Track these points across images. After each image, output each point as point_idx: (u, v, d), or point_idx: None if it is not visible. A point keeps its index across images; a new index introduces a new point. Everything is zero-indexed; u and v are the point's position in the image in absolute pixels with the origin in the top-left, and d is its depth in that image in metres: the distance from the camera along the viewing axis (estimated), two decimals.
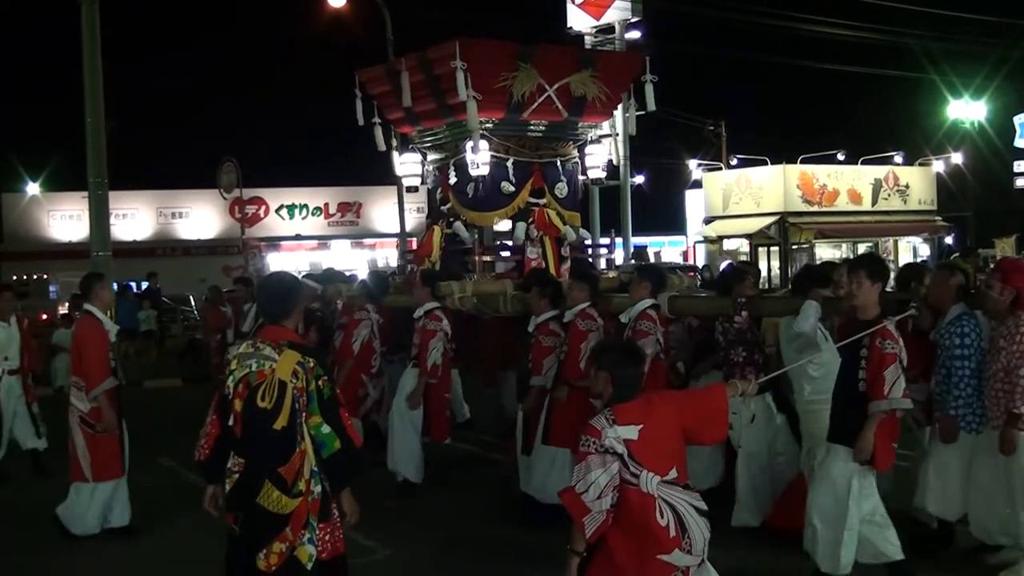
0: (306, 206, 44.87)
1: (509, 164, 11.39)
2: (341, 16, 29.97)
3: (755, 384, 6.16)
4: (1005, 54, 36.31)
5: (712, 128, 41.85)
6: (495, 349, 11.54)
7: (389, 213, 39.76)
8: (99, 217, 17.94)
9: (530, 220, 11.43)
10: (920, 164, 36.02)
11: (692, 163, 40.79)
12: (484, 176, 11.21)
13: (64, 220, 40.95)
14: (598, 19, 28.88)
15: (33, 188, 42.01)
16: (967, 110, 39.51)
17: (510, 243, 11.81)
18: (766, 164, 34.02)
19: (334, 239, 43.84)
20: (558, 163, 11.74)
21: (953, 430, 7.37)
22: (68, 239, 39.93)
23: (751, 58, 31.00)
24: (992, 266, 9.67)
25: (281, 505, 5.19)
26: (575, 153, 12.02)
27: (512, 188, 11.40)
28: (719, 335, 8.57)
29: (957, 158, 38.46)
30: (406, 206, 30.74)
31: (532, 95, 11.19)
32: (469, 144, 11.12)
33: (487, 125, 11.17)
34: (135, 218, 41.83)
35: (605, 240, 14.49)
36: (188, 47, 65.56)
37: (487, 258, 11.55)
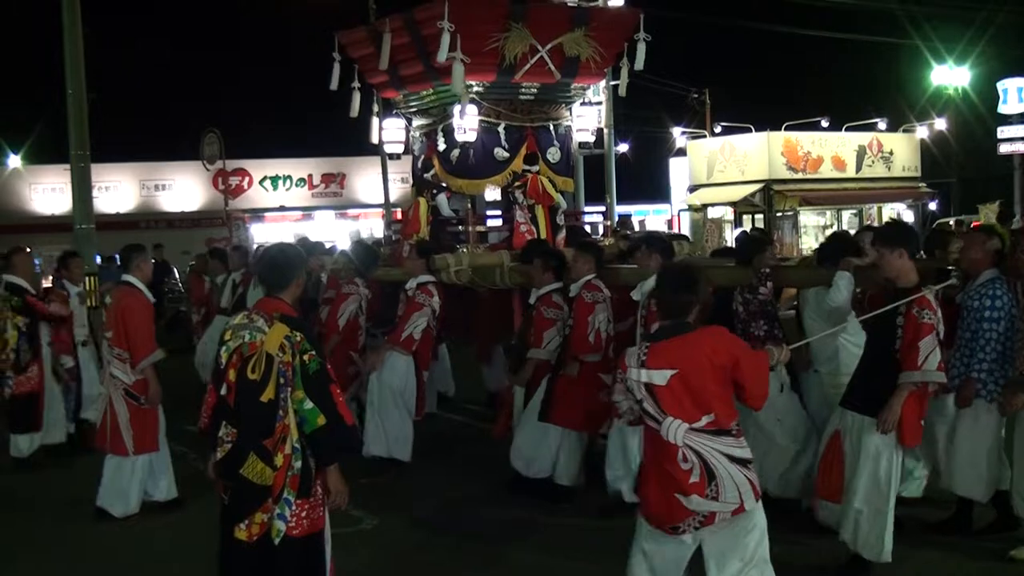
0: (290, 177, 44.65)
1: (501, 129, 11.04)
2: None
3: (787, 350, 5.92)
4: (989, 19, 36.31)
5: (696, 96, 41.82)
6: (488, 323, 11.31)
7: (373, 184, 39.64)
8: (82, 190, 17.90)
9: (517, 185, 11.13)
10: (904, 131, 36.07)
11: (676, 131, 40.74)
12: (474, 142, 10.86)
13: (46, 193, 40.66)
14: None
15: (15, 161, 41.68)
16: (951, 76, 39.48)
17: (498, 212, 11.55)
18: (750, 132, 34.03)
19: (318, 210, 43.58)
20: (551, 127, 11.38)
21: (971, 394, 7.17)
22: (51, 212, 39.67)
23: (735, 25, 30.96)
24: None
25: (264, 477, 5.20)
26: (567, 116, 11.65)
27: (506, 154, 11.05)
28: (739, 306, 8.11)
29: (941, 124, 38.48)
30: (390, 176, 30.59)
31: (524, 56, 10.78)
32: (457, 109, 10.75)
33: (477, 89, 10.84)
34: (118, 191, 41.57)
35: (601, 208, 14.27)
36: (170, 16, 65.01)
37: (480, 229, 11.25)
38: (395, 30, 10.92)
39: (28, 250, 11.63)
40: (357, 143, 40.09)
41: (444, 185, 11.42)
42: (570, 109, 11.67)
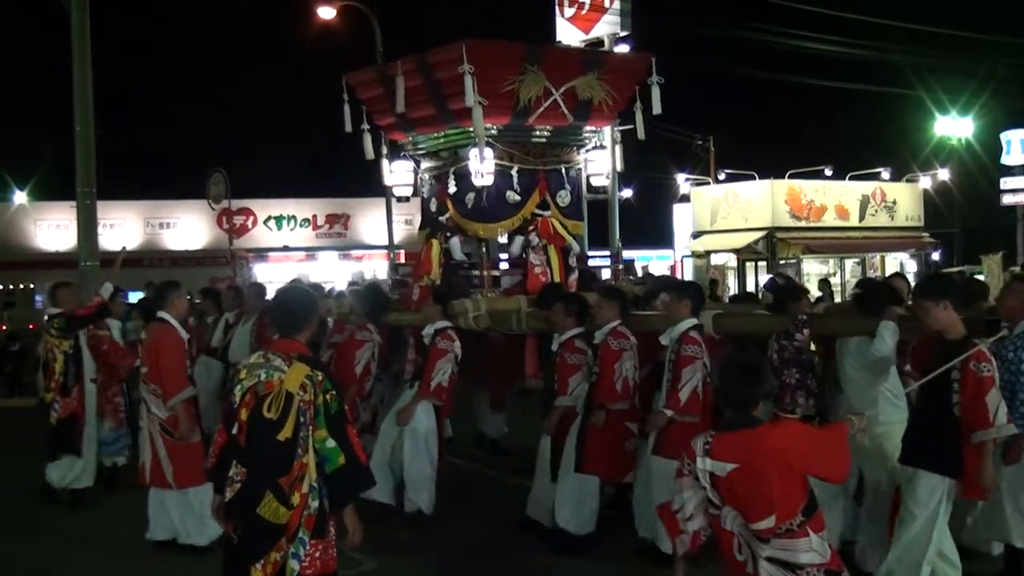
0: (294, 217, 44.76)
1: (513, 172, 10.91)
2: (331, 28, 30.02)
3: (865, 418, 5.62)
4: (991, 71, 36.46)
5: (700, 143, 41.98)
6: (502, 368, 11.02)
7: (377, 225, 39.68)
8: (87, 227, 17.91)
9: (531, 228, 10.95)
10: (907, 180, 36.14)
11: (680, 177, 40.88)
12: (488, 186, 10.70)
13: (51, 229, 40.78)
14: (587, 33, 28.87)
15: (20, 197, 41.85)
16: (954, 127, 39.64)
17: (506, 256, 11.40)
18: (754, 179, 34.10)
19: (322, 251, 43.74)
20: (562, 170, 11.27)
21: (1020, 452, 6.99)
22: (55, 248, 39.76)
23: (740, 73, 31.15)
24: None
25: (279, 516, 5.21)
26: (578, 159, 11.55)
27: (518, 198, 10.92)
28: (773, 353, 7.94)
29: (944, 174, 38.61)
30: (395, 218, 30.73)
31: (538, 99, 10.71)
32: (472, 152, 10.58)
33: (491, 132, 10.69)
34: (122, 228, 41.67)
35: (606, 252, 14.15)
36: (177, 57, 65.48)
37: (495, 273, 11.09)
38: (407, 72, 10.82)
39: (72, 285, 11.73)
40: (362, 184, 40.39)
41: (457, 227, 11.24)
42: (581, 152, 11.59)
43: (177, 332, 8.78)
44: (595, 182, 11.90)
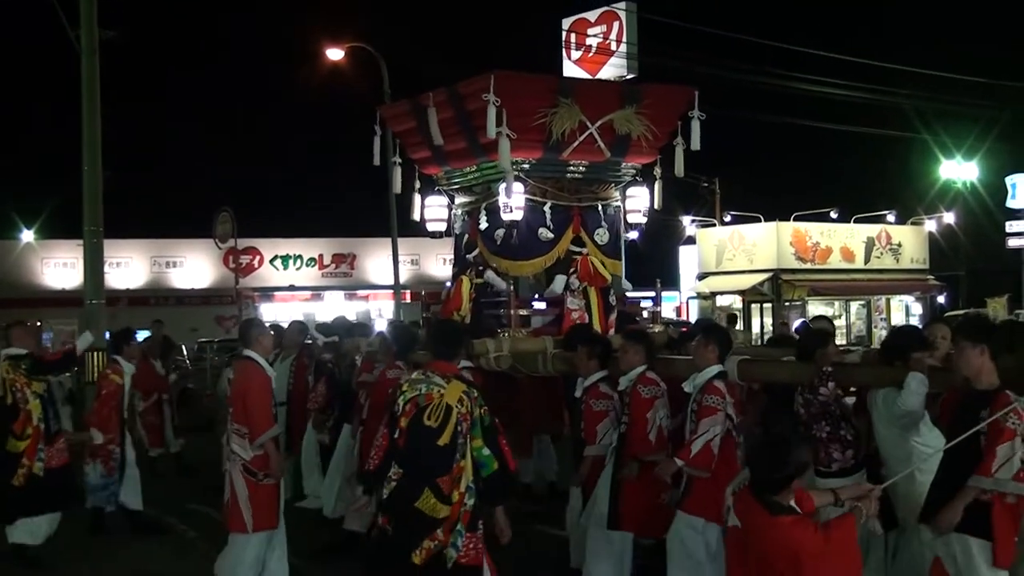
0: (300, 257, 44.88)
1: (547, 208, 10.63)
2: (339, 68, 30.21)
3: (876, 502, 5.30)
4: (996, 115, 36.56)
5: (706, 184, 42.01)
6: (531, 412, 10.52)
7: (383, 265, 39.74)
8: (94, 265, 17.97)
9: (572, 271, 10.57)
10: (912, 223, 36.17)
11: (686, 219, 40.90)
12: (519, 222, 10.36)
13: (58, 268, 40.89)
14: (594, 75, 29.05)
15: (28, 235, 42.00)
16: (959, 170, 39.71)
17: (538, 295, 10.94)
18: (759, 221, 34.14)
19: (328, 290, 43.82)
20: (599, 207, 10.94)
21: None
22: (62, 287, 39.85)
23: (746, 116, 31.24)
24: None
25: (436, 510, 6.01)
26: (616, 196, 11.15)
27: (551, 235, 10.60)
28: (799, 407, 7.26)
29: (949, 218, 38.62)
30: (400, 258, 30.79)
31: (572, 133, 10.42)
32: (502, 186, 10.26)
33: (523, 166, 10.42)
34: (129, 267, 41.80)
35: (650, 292, 13.49)
36: (186, 97, 65.94)
37: (523, 312, 10.63)
38: (439, 104, 10.54)
39: (28, 323, 11.24)
40: (368, 224, 40.55)
41: (492, 265, 10.91)
42: (620, 189, 11.18)
43: (263, 370, 8.50)
44: (632, 219, 11.43)
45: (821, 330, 8.36)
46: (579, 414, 8.50)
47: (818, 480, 6.83)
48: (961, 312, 30.47)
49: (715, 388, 7.34)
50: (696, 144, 10.91)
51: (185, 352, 28.80)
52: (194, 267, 42.73)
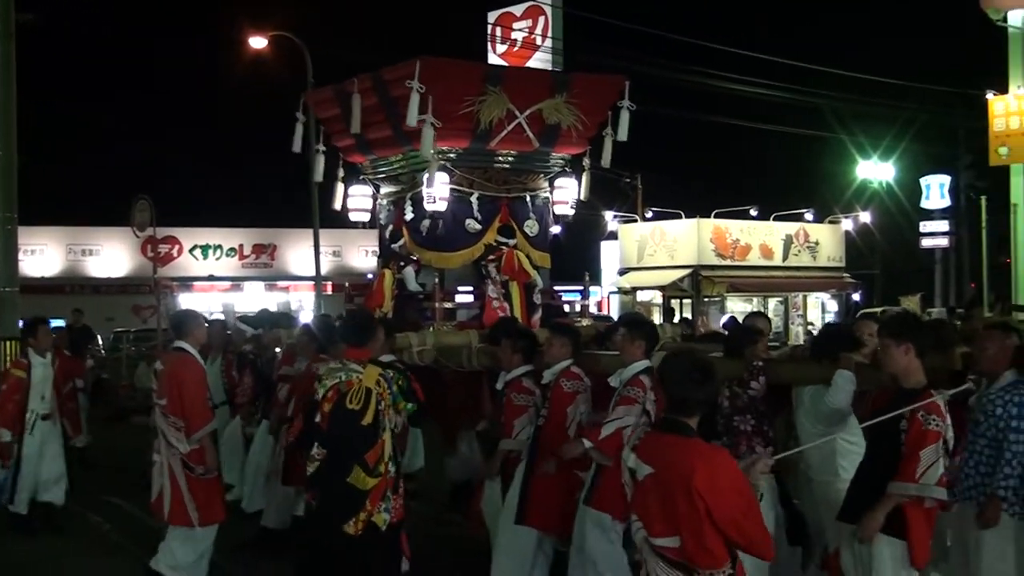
0: (220, 246, 44.34)
1: (473, 199, 10.37)
2: (263, 56, 29.94)
3: (766, 461, 5.15)
4: (912, 117, 37.31)
5: (628, 180, 42.29)
6: (455, 408, 10.19)
7: (304, 256, 39.46)
8: (7, 252, 17.58)
9: (491, 259, 10.38)
10: (830, 222, 36.75)
11: (608, 214, 41.18)
12: (445, 212, 10.16)
13: None
14: None
15: None
16: (876, 170, 40.45)
17: (467, 288, 10.68)
18: (680, 217, 34.46)
19: (248, 281, 43.41)
20: (527, 198, 10.69)
21: (997, 514, 6.34)
22: None
23: (668, 113, 31.46)
24: None
25: (365, 483, 6.66)
26: (545, 187, 10.94)
27: (478, 226, 10.37)
28: (725, 399, 7.19)
29: (865, 217, 39.28)
30: (322, 249, 30.58)
31: (501, 122, 10.12)
32: (426, 176, 10.02)
33: (450, 155, 10.19)
34: (44, 254, 41.03)
35: (578, 287, 13.20)
36: (103, 82, 64.79)
37: (449, 305, 10.44)
38: (363, 91, 10.32)
39: None
40: (289, 214, 40.23)
41: (413, 257, 10.69)
42: (549, 180, 11.02)
43: (198, 362, 8.39)
44: (559, 211, 11.28)
45: (752, 327, 8.26)
46: (500, 407, 8.38)
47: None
48: (879, 310, 31.04)
49: (639, 382, 7.27)
50: (625, 135, 10.82)
51: (101, 342, 28.40)
52: (111, 256, 42.02)
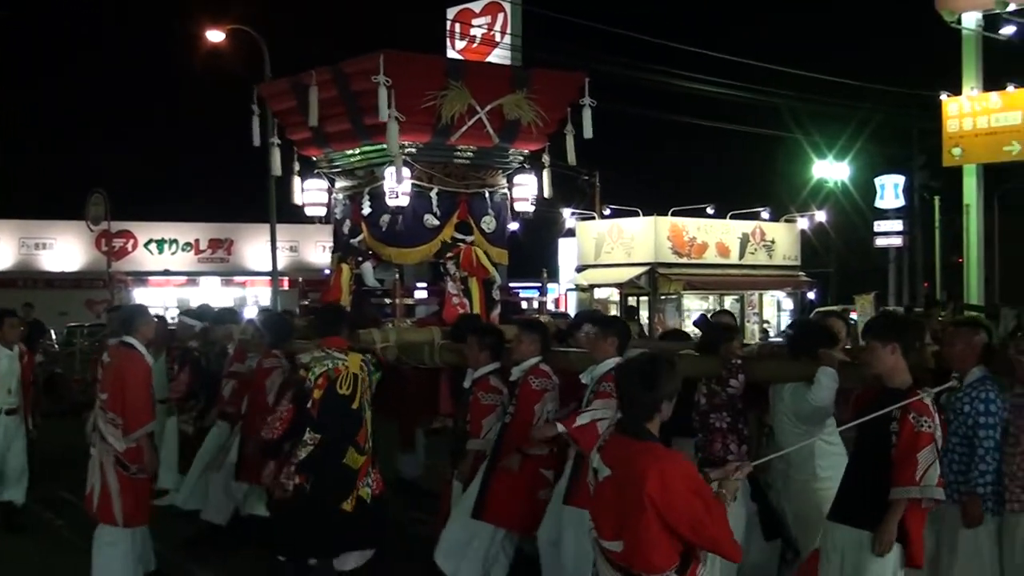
0: (176, 241, 43.91)
1: (433, 194, 10.28)
2: (220, 50, 29.74)
3: (742, 468, 5.00)
4: (867, 117, 37.63)
5: (586, 178, 42.38)
6: (412, 404, 10.21)
7: (261, 251, 39.23)
8: None
9: (450, 256, 10.34)
10: (786, 220, 37.04)
11: (566, 211, 41.25)
12: (404, 208, 10.07)
13: None
14: None
15: None
16: (831, 170, 40.75)
17: (424, 284, 10.68)
18: (638, 215, 34.58)
19: (204, 276, 43.07)
20: (486, 194, 10.64)
21: (980, 513, 6.36)
22: None
23: (625, 111, 31.54)
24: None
25: (357, 462, 7.24)
26: (503, 183, 10.90)
27: (436, 222, 10.28)
28: (701, 396, 7.16)
29: (821, 216, 39.62)
30: (279, 244, 30.44)
31: (461, 117, 10.08)
32: (388, 171, 9.92)
33: (410, 150, 10.08)
34: None
35: (536, 284, 13.11)
36: (58, 75, 64.10)
37: (409, 301, 10.36)
38: (322, 83, 10.17)
39: None
40: (246, 209, 39.96)
41: (370, 253, 10.61)
42: (507, 176, 10.98)
43: (145, 359, 8.17)
44: (519, 208, 11.22)
45: (726, 324, 8.23)
46: (465, 406, 8.19)
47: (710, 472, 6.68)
48: (838, 308, 31.28)
49: (614, 378, 7.00)
50: (588, 132, 10.77)
51: (54, 336, 28.11)
52: (65, 249, 41.54)
